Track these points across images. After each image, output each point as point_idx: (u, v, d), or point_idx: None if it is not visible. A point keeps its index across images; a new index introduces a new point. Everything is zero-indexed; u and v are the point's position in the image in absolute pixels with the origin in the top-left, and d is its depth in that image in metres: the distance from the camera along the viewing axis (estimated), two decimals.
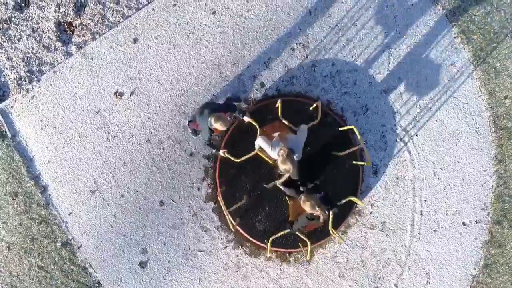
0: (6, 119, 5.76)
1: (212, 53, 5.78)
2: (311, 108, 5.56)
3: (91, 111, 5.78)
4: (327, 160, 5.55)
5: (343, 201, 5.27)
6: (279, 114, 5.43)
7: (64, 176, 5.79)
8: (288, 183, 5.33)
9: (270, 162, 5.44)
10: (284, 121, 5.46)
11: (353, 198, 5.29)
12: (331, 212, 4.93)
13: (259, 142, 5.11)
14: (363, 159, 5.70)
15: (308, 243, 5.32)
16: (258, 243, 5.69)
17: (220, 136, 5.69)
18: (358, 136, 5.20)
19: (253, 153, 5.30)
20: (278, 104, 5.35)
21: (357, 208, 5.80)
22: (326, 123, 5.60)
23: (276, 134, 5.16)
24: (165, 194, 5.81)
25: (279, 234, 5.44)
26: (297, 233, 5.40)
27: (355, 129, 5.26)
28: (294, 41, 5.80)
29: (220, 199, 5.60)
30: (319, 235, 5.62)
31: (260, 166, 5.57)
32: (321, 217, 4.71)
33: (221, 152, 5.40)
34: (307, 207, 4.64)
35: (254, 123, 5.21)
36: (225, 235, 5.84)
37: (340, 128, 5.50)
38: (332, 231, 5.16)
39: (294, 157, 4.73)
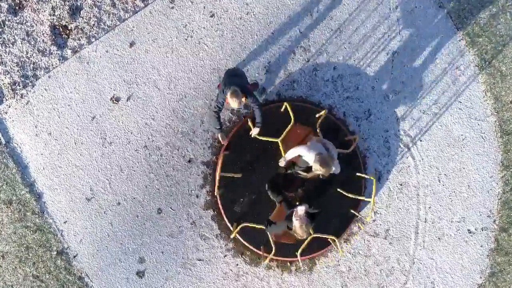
0: (0, 125, 5.66)
1: (210, 57, 5.66)
2: (316, 115, 5.40)
3: (87, 116, 5.66)
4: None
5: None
6: (292, 117, 5.24)
7: (60, 183, 5.68)
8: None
9: (304, 175, 5.12)
10: (300, 127, 5.32)
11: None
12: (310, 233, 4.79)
13: (298, 151, 4.73)
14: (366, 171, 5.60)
15: (273, 251, 5.26)
16: (257, 250, 5.57)
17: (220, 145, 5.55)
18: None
19: (283, 165, 5.07)
20: (287, 106, 5.18)
21: (360, 216, 5.67)
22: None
23: (314, 138, 4.99)
24: (163, 202, 5.69)
25: (251, 225, 5.32)
26: (268, 235, 5.23)
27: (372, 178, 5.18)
28: (294, 44, 5.68)
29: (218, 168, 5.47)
30: (320, 244, 5.48)
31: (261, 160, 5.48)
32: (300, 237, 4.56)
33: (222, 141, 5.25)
34: (299, 230, 4.46)
35: (271, 139, 5.09)
36: (224, 243, 5.72)
37: (358, 174, 5.32)
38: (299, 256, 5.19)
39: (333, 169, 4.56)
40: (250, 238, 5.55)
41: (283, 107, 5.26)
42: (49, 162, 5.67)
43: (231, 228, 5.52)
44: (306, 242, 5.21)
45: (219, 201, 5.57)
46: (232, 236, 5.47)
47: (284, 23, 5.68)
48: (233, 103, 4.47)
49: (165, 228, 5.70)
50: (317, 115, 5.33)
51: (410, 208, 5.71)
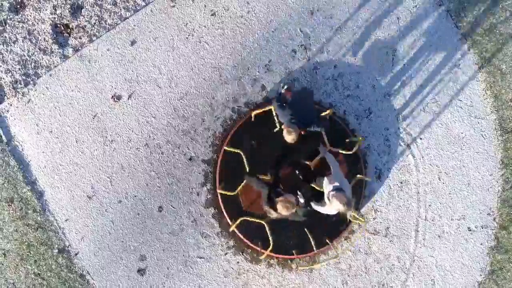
0: (2, 123, 5.66)
1: (211, 55, 5.67)
2: (321, 114, 5.41)
3: (88, 115, 5.67)
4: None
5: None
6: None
7: (61, 181, 5.68)
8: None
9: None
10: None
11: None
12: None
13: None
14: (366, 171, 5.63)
15: (271, 246, 5.36)
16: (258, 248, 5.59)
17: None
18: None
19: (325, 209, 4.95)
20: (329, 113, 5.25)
21: (360, 214, 5.68)
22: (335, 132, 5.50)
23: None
24: (164, 200, 5.70)
25: (251, 219, 5.41)
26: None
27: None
28: (295, 43, 5.69)
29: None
30: (320, 242, 5.50)
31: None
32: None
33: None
34: (284, 210, 4.50)
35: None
36: (225, 241, 5.72)
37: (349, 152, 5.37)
38: (354, 216, 5.18)
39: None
40: (249, 234, 5.58)
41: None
42: (50, 160, 5.68)
43: (230, 222, 5.54)
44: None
45: (219, 198, 5.60)
46: (230, 230, 5.50)
47: (285, 22, 5.69)
48: (288, 138, 4.57)
49: (166, 226, 5.71)
50: (322, 114, 5.35)
51: (410, 206, 5.72)
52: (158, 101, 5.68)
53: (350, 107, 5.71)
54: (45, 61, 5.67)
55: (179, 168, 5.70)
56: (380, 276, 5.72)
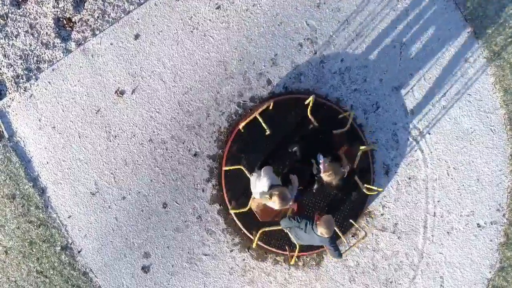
0: (3, 118, 5.59)
1: (216, 49, 5.59)
2: (339, 116, 5.35)
3: (91, 110, 5.59)
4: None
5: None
6: (309, 111, 5.21)
7: (64, 177, 5.61)
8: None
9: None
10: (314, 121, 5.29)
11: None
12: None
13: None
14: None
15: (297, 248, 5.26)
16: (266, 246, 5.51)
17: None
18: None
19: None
20: (310, 100, 5.14)
21: (368, 210, 5.60)
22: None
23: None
24: (168, 196, 5.62)
25: (271, 229, 5.33)
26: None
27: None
28: (301, 36, 5.60)
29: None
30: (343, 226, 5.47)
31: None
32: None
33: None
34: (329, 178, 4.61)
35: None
36: (230, 238, 5.65)
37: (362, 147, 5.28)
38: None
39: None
40: (269, 242, 5.53)
41: (309, 99, 5.18)
42: (53, 156, 5.60)
43: (251, 237, 5.45)
44: None
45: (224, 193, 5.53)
46: (254, 245, 5.39)
47: (291, 15, 5.60)
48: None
49: (170, 223, 5.64)
50: (305, 102, 5.26)
51: (419, 202, 5.64)
52: (162, 95, 5.60)
53: (357, 101, 5.63)
54: (47, 55, 5.59)
55: (184, 164, 5.62)
56: (388, 273, 5.65)
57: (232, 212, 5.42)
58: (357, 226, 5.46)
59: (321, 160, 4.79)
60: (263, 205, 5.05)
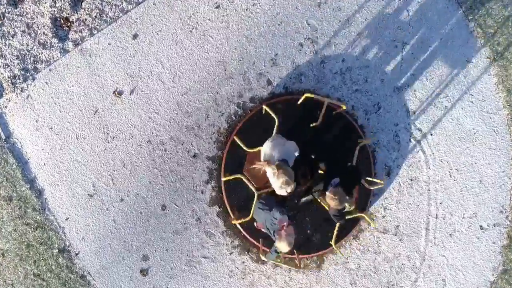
0: (0, 119, 5.52)
1: (216, 49, 5.52)
2: (333, 113, 5.27)
3: (89, 110, 5.53)
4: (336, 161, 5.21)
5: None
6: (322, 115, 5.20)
7: (61, 179, 5.54)
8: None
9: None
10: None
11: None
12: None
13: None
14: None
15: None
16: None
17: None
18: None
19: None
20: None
21: (369, 212, 5.53)
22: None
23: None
24: (167, 198, 5.56)
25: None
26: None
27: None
28: (302, 36, 5.54)
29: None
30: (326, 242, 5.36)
31: None
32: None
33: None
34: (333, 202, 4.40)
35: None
36: (230, 240, 5.58)
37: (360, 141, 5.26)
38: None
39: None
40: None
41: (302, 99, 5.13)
42: (50, 158, 5.54)
43: (258, 244, 5.36)
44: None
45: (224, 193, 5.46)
46: (260, 255, 5.28)
47: (291, 14, 5.54)
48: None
49: (169, 225, 5.57)
50: (333, 113, 5.25)
51: (421, 204, 5.58)
52: (161, 96, 5.54)
53: (359, 102, 5.56)
54: (44, 55, 5.53)
55: (183, 165, 5.56)
56: (389, 275, 5.58)
57: (236, 223, 5.39)
58: (335, 249, 5.35)
59: (335, 183, 4.56)
60: (262, 172, 4.79)
